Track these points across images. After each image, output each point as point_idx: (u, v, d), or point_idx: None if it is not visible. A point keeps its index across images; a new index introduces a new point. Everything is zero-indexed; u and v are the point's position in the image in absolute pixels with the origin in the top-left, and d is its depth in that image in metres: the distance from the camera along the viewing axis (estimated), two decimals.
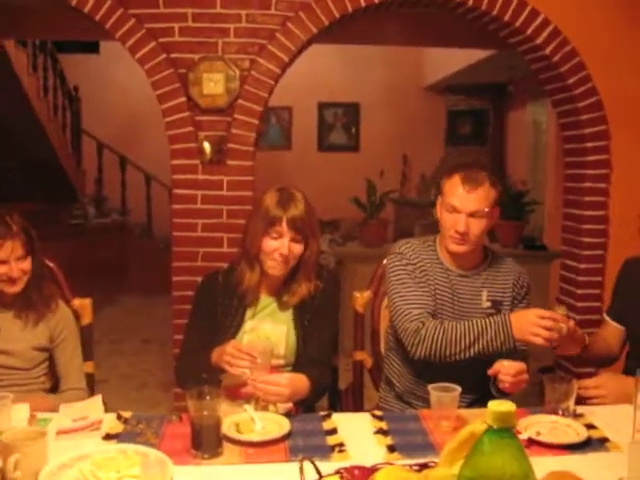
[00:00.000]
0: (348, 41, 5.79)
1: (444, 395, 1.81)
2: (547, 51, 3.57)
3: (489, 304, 2.23)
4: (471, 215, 2.13)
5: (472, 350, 2.08)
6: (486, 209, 2.14)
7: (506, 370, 1.98)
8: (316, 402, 2.19)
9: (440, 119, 9.04)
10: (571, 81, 3.57)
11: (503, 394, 2.07)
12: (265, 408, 1.93)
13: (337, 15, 3.51)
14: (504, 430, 0.94)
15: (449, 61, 7.95)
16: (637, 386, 1.66)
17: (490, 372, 2.02)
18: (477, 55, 7.13)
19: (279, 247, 2.11)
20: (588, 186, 3.61)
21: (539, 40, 3.56)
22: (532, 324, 2.01)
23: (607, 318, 2.37)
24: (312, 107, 9.17)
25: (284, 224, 2.11)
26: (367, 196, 5.28)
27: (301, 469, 1.43)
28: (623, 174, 3.59)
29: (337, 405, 2.45)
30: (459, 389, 1.83)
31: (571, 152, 3.76)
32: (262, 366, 1.93)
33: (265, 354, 1.95)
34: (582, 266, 3.60)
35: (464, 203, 2.13)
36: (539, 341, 2.00)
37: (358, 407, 2.45)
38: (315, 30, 3.52)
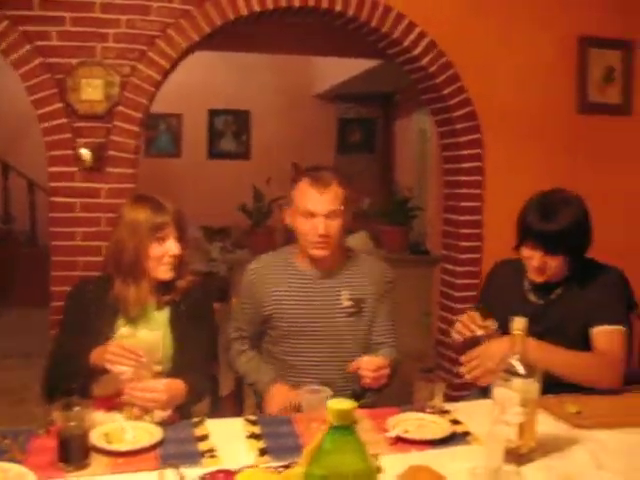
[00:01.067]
0: (237, 49, 5.82)
1: (313, 398, 1.84)
2: (424, 62, 3.69)
3: (350, 303, 2.31)
4: (327, 216, 2.21)
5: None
6: (341, 207, 2.21)
7: (366, 366, 2.06)
8: (193, 406, 2.19)
9: (330, 127, 9.16)
10: (446, 91, 3.71)
11: (368, 390, 2.15)
12: (140, 417, 1.91)
13: (218, 22, 3.51)
14: (345, 428, 0.97)
15: (338, 70, 8.07)
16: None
17: (350, 369, 2.09)
18: (365, 64, 7.28)
19: (168, 249, 2.11)
20: (464, 192, 3.77)
21: (416, 52, 3.69)
22: None
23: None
24: (202, 114, 9.09)
25: (170, 225, 2.11)
26: (254, 203, 5.30)
27: (160, 476, 1.42)
28: (495, 180, 3.75)
29: (217, 412, 2.45)
30: (329, 391, 1.86)
31: (449, 159, 3.90)
32: (146, 365, 1.91)
33: (150, 353, 1.94)
34: (460, 269, 3.74)
35: (319, 205, 2.20)
36: None
37: (238, 413, 2.46)
38: (196, 37, 3.51)
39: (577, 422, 1.94)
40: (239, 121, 9.28)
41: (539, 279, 2.26)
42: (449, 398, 2.09)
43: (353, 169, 8.94)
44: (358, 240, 5.44)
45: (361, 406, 2.25)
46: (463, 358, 2.05)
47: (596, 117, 4.00)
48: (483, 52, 3.79)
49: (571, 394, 2.13)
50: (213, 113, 9.14)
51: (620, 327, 2.22)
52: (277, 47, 5.98)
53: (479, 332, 2.10)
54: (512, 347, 1.68)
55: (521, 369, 1.65)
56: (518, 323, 1.68)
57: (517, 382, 1.65)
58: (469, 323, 2.13)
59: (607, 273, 2.34)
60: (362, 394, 2.34)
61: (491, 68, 3.80)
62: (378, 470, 1.25)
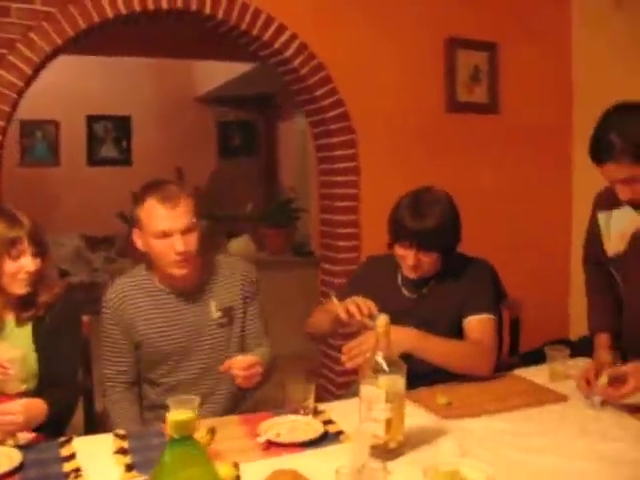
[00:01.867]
0: (114, 53, 5.68)
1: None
2: (295, 64, 3.71)
3: (220, 314, 2.28)
4: (183, 233, 2.12)
5: None
6: (194, 220, 2.15)
7: (238, 364, 2.02)
8: (66, 423, 2.11)
9: (211, 131, 9.08)
10: (319, 93, 3.74)
11: (245, 391, 2.14)
12: (2, 441, 1.82)
13: (83, 25, 3.40)
14: (185, 439, 0.95)
15: (218, 73, 8.02)
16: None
17: (221, 369, 2.07)
18: (244, 67, 7.26)
19: (23, 266, 2.00)
20: (339, 192, 3.80)
21: (287, 54, 3.70)
22: None
23: (334, 298, 2.47)
24: (80, 120, 8.81)
25: (25, 241, 2.01)
26: (132, 210, 5.17)
27: None
28: (370, 180, 3.81)
29: (94, 428, 2.37)
30: (197, 400, 1.83)
31: (323, 160, 3.94)
32: (13, 379, 1.83)
33: (15, 363, 1.86)
34: (338, 269, 3.78)
35: (173, 223, 2.10)
36: None
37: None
38: (60, 41, 3.37)
39: (446, 413, 2.00)
40: (119, 127, 9.03)
41: (413, 275, 2.32)
42: (335, 397, 2.09)
43: (235, 172, 8.92)
44: (240, 244, 5.42)
45: (240, 412, 2.27)
46: (344, 348, 2.04)
47: (464, 116, 4.14)
48: (354, 53, 3.84)
49: (443, 384, 2.20)
50: (92, 119, 8.86)
51: (490, 316, 2.32)
52: (156, 51, 5.86)
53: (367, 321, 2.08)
54: (376, 344, 1.70)
55: (385, 366, 1.68)
56: (381, 320, 1.70)
57: (382, 378, 1.67)
58: (364, 307, 2.12)
59: (476, 266, 2.44)
60: (242, 396, 2.34)
61: (362, 69, 3.86)
62: (237, 479, 1.23)
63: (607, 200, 2.32)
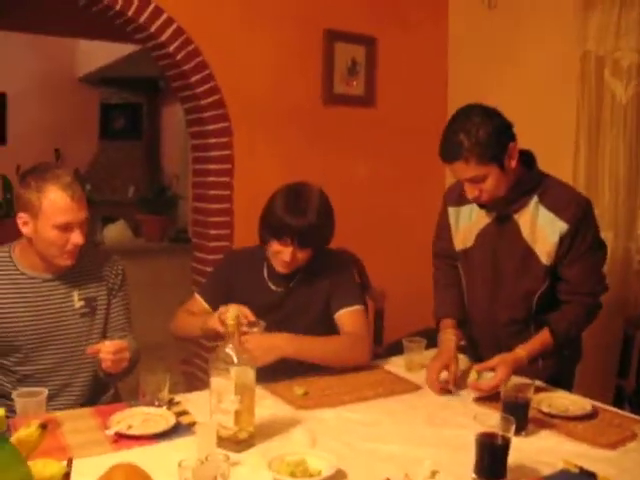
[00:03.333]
0: None
1: (29, 400, 1.75)
2: (171, 49, 3.62)
3: (82, 303, 2.22)
4: (82, 225, 2.10)
5: None
6: (88, 212, 2.12)
7: (106, 349, 1.99)
8: None
9: (93, 112, 8.80)
10: (194, 79, 3.68)
11: (108, 374, 2.10)
12: None
13: None
14: None
15: (102, 53, 7.77)
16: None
17: (89, 351, 2.04)
18: (129, 48, 7.06)
19: None
20: (212, 180, 3.77)
21: (163, 38, 3.61)
22: None
23: (197, 296, 2.49)
24: None
25: None
26: (2, 193, 4.96)
27: None
28: (244, 169, 3.80)
29: None
30: (45, 392, 1.78)
31: (197, 148, 3.89)
32: None
33: None
34: (210, 257, 3.74)
35: (76, 216, 2.07)
36: None
37: None
38: None
39: (301, 404, 2.03)
40: None
41: (286, 271, 2.33)
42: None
43: (117, 156, 8.69)
44: (116, 230, 5.29)
45: (101, 403, 2.22)
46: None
47: (341, 108, 4.18)
48: (231, 41, 3.80)
49: (302, 376, 2.23)
50: None
51: (359, 306, 2.38)
52: (35, 26, 5.61)
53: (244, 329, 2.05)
54: (226, 337, 1.71)
55: (235, 358, 1.68)
56: (231, 312, 1.71)
57: (233, 370, 1.67)
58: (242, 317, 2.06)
59: (340, 258, 2.49)
60: (102, 387, 2.30)
61: (240, 57, 3.82)
62: (66, 476, 1.20)
63: (457, 195, 2.42)
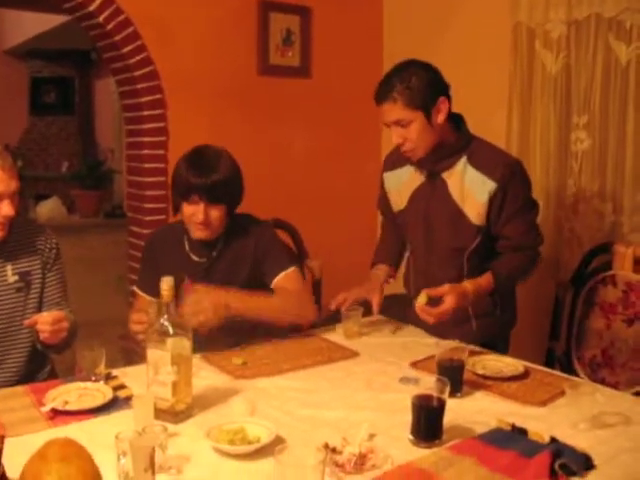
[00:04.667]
0: None
1: None
2: (101, 19, 3.53)
3: (16, 278, 2.18)
4: (11, 196, 2.05)
5: None
6: (19, 183, 2.08)
7: (43, 319, 1.99)
8: None
9: (22, 86, 8.54)
10: (126, 50, 3.59)
11: (47, 346, 2.10)
12: None
13: None
14: None
15: (30, 24, 7.54)
16: None
17: (26, 323, 2.03)
18: (58, 19, 6.86)
19: None
20: (147, 153, 3.71)
21: (92, 7, 3.50)
22: None
23: (138, 291, 2.47)
24: None
25: None
26: None
27: None
28: (179, 140, 3.74)
29: None
30: None
31: (131, 120, 3.81)
32: None
33: None
34: (146, 231, 3.68)
35: (5, 187, 2.02)
36: None
37: None
38: None
39: (239, 373, 2.03)
40: None
41: (203, 235, 2.30)
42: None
43: (50, 131, 8.47)
44: (49, 207, 5.17)
45: (38, 380, 2.18)
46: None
47: (277, 79, 4.15)
48: (164, 11, 3.72)
49: (238, 347, 2.24)
50: None
51: (293, 267, 2.39)
52: None
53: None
54: (161, 308, 1.69)
55: (171, 328, 1.67)
56: (165, 283, 1.69)
57: (169, 341, 1.66)
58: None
59: (262, 225, 2.47)
60: (39, 364, 2.27)
61: (173, 27, 3.75)
62: None
63: (393, 160, 2.53)
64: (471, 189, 2.28)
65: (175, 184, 2.30)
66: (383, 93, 2.22)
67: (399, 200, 2.50)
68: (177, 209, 2.33)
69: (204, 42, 3.86)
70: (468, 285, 2.23)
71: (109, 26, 3.55)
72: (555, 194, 3.43)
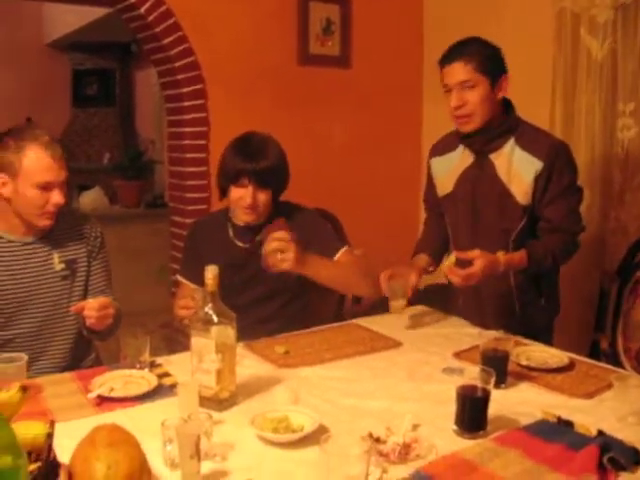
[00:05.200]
0: None
1: (9, 366, 1.74)
2: (142, 10, 3.56)
3: (63, 266, 2.22)
4: (61, 186, 2.09)
5: None
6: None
7: (90, 305, 2.01)
8: None
9: (65, 79, 8.63)
10: (167, 41, 3.62)
11: (93, 332, 2.15)
12: None
13: None
14: None
15: (72, 17, 7.60)
16: None
17: (73, 309, 2.07)
18: (100, 12, 6.91)
19: None
20: (188, 143, 3.73)
21: None
22: None
23: (181, 279, 2.49)
24: None
25: None
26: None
27: None
28: (220, 131, 3.76)
29: None
30: (25, 358, 1.77)
31: (172, 111, 3.84)
32: None
33: None
34: (188, 221, 3.71)
35: (57, 175, 2.07)
36: None
37: None
38: None
39: (282, 362, 2.04)
40: None
41: (250, 218, 2.34)
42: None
43: (91, 123, 8.56)
44: (92, 197, 5.24)
45: (83, 367, 2.22)
46: (267, 236, 2.16)
47: (316, 69, 4.14)
48: (204, 2, 3.73)
49: (282, 334, 2.25)
50: None
51: (345, 248, 2.43)
52: None
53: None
54: (207, 296, 1.70)
55: (215, 317, 1.68)
56: (210, 272, 1.70)
57: (213, 330, 1.67)
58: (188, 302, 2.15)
59: (306, 212, 2.50)
60: (90, 338, 2.31)
61: (213, 18, 3.76)
62: (49, 437, 1.20)
63: (442, 146, 2.55)
64: (518, 169, 2.29)
65: (223, 169, 2.35)
66: (455, 53, 2.26)
67: (446, 184, 2.50)
68: (224, 194, 2.37)
69: (244, 32, 3.87)
70: (500, 255, 2.21)
71: (150, 17, 3.58)
72: (600, 183, 3.36)
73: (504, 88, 2.28)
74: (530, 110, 2.41)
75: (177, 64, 3.66)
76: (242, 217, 2.35)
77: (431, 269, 2.50)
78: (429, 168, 2.62)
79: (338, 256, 2.38)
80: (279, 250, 2.11)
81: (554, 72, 3.48)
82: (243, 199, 2.28)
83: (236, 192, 2.29)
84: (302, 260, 2.16)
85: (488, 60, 2.24)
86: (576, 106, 3.41)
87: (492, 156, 2.34)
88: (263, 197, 2.30)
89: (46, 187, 2.06)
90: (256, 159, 2.25)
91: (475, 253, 2.16)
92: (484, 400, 1.59)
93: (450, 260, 2.22)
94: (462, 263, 2.19)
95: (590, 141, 3.37)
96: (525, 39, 3.73)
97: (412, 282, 2.33)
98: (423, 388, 1.87)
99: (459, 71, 2.25)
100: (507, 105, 2.36)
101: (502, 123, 2.31)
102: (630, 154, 3.24)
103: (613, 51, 3.27)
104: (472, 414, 1.59)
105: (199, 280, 2.29)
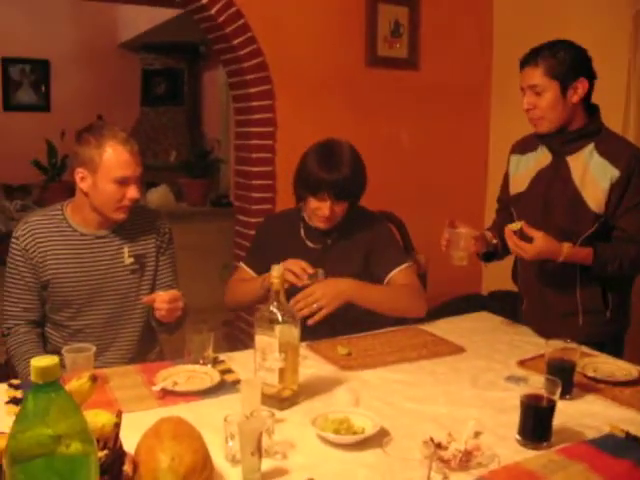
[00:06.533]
0: None
1: (78, 356, 1.79)
2: (213, 11, 3.61)
3: (132, 260, 2.27)
4: (137, 181, 2.16)
5: None
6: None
7: (161, 298, 2.06)
8: None
9: (135, 78, 8.81)
10: (236, 42, 3.66)
11: (162, 324, 2.21)
12: None
13: None
14: (49, 385, 0.93)
15: (143, 18, 7.77)
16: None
17: (144, 300, 2.13)
18: (169, 13, 7.05)
19: None
20: (255, 143, 3.77)
21: (204, 0, 3.59)
22: None
23: (244, 266, 2.52)
24: None
25: None
26: (48, 158, 5.04)
27: None
28: (287, 132, 3.78)
29: None
30: (93, 348, 1.81)
31: (240, 111, 3.88)
32: None
33: None
34: (253, 220, 3.75)
35: (133, 170, 2.13)
36: None
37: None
38: None
39: (344, 364, 2.04)
40: (37, 71, 8.66)
41: (324, 225, 2.38)
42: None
43: (159, 121, 8.72)
44: (158, 194, 5.33)
45: (149, 360, 2.27)
46: (291, 301, 2.13)
47: (385, 71, 4.13)
48: (273, 3, 3.77)
49: (345, 335, 2.25)
50: (8, 62, 8.48)
51: (407, 264, 2.44)
52: None
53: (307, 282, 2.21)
54: (272, 295, 1.72)
55: (280, 316, 1.69)
56: (276, 271, 1.70)
57: (277, 328, 1.68)
58: (301, 273, 2.21)
59: (376, 218, 2.53)
60: (159, 330, 2.37)
61: (282, 19, 3.79)
62: (117, 426, 1.22)
63: (523, 144, 2.52)
64: (594, 174, 2.25)
65: (303, 177, 2.34)
66: (529, 57, 2.26)
67: (520, 182, 2.47)
68: (300, 199, 2.40)
69: (312, 33, 3.89)
70: (565, 245, 2.19)
71: (220, 18, 3.63)
72: None
73: (580, 91, 2.23)
74: (603, 114, 2.35)
75: (246, 64, 3.70)
76: (317, 224, 2.38)
77: (494, 241, 2.46)
78: (508, 165, 2.59)
79: (395, 272, 2.39)
80: (309, 305, 2.16)
81: (629, 77, 3.39)
82: (321, 210, 2.31)
83: (314, 203, 2.31)
84: (340, 294, 2.22)
85: (560, 65, 2.21)
86: None
87: (569, 158, 2.31)
88: (340, 209, 2.33)
89: (123, 182, 2.12)
90: (337, 172, 2.26)
91: (539, 234, 2.16)
92: (549, 410, 1.55)
93: (516, 225, 2.20)
94: (525, 237, 2.18)
95: None
96: (599, 43, 3.62)
97: (475, 233, 2.34)
98: (486, 395, 1.84)
99: (530, 75, 2.25)
100: (593, 109, 2.33)
101: (583, 127, 2.29)
102: None
103: None
104: (536, 424, 1.56)
105: (261, 270, 2.36)
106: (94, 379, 1.44)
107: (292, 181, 2.41)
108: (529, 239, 2.17)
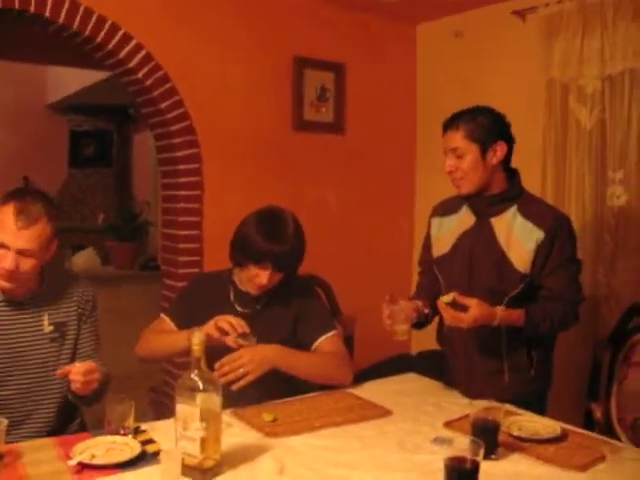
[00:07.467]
0: None
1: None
2: (140, 75, 3.62)
3: (52, 328, 2.18)
4: (20, 253, 2.02)
5: None
6: (39, 247, 2.03)
7: (77, 369, 1.97)
8: None
9: (63, 139, 8.72)
10: (163, 105, 3.67)
11: (78, 397, 2.09)
12: None
13: None
14: None
15: (73, 79, 7.74)
16: None
17: (59, 373, 2.02)
18: (99, 75, 7.03)
19: None
20: (182, 207, 3.75)
21: (132, 64, 3.60)
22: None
23: (165, 317, 2.47)
24: None
25: None
26: None
27: None
28: (214, 195, 3.78)
29: None
30: (5, 422, 1.73)
31: (167, 174, 3.87)
32: None
33: None
34: (179, 284, 3.70)
35: (13, 240, 2.00)
36: None
37: None
38: None
39: (269, 430, 1.99)
40: None
41: (256, 293, 2.36)
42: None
43: (87, 183, 8.62)
44: (85, 257, 5.23)
45: (69, 433, 2.17)
46: (216, 365, 2.10)
47: (312, 135, 4.20)
48: (201, 67, 3.81)
49: (271, 401, 2.22)
50: None
51: (335, 331, 2.44)
52: (6, 54, 5.56)
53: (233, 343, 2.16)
54: (193, 362, 1.68)
55: (201, 384, 1.65)
56: (196, 338, 1.68)
57: (198, 397, 1.64)
58: (230, 330, 2.16)
59: (306, 284, 2.53)
60: (69, 415, 2.26)
61: (209, 83, 3.83)
62: None
63: (443, 208, 2.58)
64: (519, 237, 2.31)
65: (245, 245, 2.31)
66: (450, 121, 2.34)
67: (443, 244, 2.51)
68: (239, 265, 2.36)
69: (240, 98, 3.93)
70: (498, 309, 2.22)
71: (148, 82, 3.64)
72: (592, 250, 3.38)
73: (498, 153, 2.31)
74: (522, 177, 2.43)
75: (173, 128, 3.70)
76: (251, 290, 2.36)
77: (426, 311, 2.47)
78: (428, 228, 2.63)
79: (322, 340, 2.38)
80: (234, 370, 2.13)
81: (544, 140, 3.54)
82: (259, 278, 2.29)
83: (254, 270, 2.29)
84: (266, 360, 2.19)
85: (480, 128, 2.29)
86: (566, 173, 3.46)
87: (493, 220, 2.37)
88: (277, 278, 2.32)
89: (1, 246, 2.01)
90: (283, 244, 2.25)
91: (473, 301, 2.17)
92: (473, 472, 1.55)
93: (449, 296, 2.21)
94: (459, 306, 2.20)
95: (581, 208, 3.40)
96: (517, 107, 3.78)
97: (415, 305, 2.37)
98: (413, 458, 1.83)
99: (451, 138, 2.33)
100: (512, 173, 2.41)
101: (505, 190, 2.36)
102: (620, 221, 3.27)
103: (601, 120, 3.33)
104: None
105: (183, 325, 2.34)
106: (1, 456, 1.37)
107: (230, 245, 2.38)
108: (462, 307, 2.19)
